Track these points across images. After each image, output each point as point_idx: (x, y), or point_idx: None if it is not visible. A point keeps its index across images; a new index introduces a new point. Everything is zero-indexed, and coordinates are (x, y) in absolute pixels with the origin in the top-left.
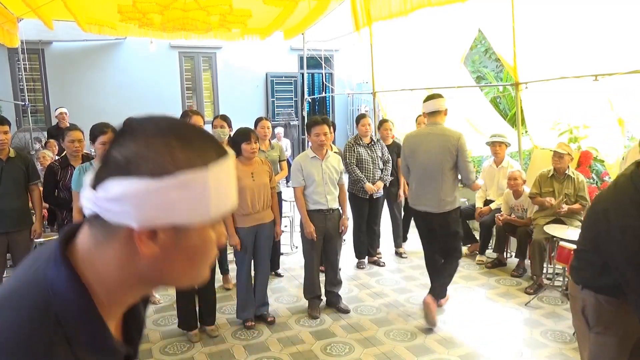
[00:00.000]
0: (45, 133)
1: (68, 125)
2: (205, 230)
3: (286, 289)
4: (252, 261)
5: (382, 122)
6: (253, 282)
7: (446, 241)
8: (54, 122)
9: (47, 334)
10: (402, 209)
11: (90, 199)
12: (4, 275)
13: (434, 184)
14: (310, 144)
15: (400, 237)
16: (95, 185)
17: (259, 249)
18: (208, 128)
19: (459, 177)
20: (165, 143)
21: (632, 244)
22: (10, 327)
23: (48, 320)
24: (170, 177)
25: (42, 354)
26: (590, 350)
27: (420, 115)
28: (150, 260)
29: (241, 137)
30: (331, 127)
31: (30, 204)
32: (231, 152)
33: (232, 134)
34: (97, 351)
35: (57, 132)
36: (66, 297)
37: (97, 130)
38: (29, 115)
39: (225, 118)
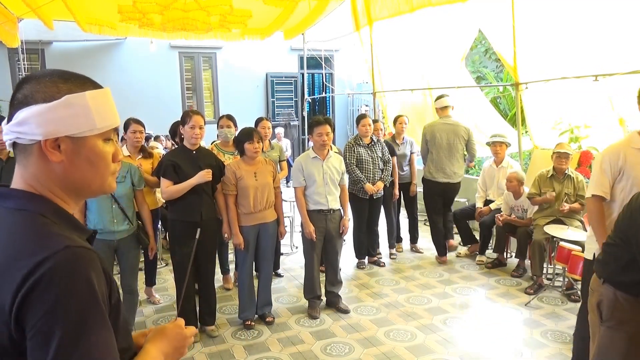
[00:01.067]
0: None
1: None
2: (97, 141)
3: (286, 289)
4: (254, 261)
5: (373, 122)
6: (256, 281)
7: (451, 198)
8: None
9: (42, 222)
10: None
11: (6, 132)
12: None
13: (449, 161)
14: (311, 144)
15: (394, 237)
16: (8, 122)
17: (262, 248)
18: (209, 128)
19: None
20: (51, 80)
21: None
22: (21, 234)
23: (36, 217)
24: (58, 100)
25: (47, 232)
26: (599, 342)
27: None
28: (61, 166)
29: (244, 137)
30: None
31: None
32: (107, 89)
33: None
34: (74, 229)
35: None
36: (34, 204)
37: None
38: None
39: (231, 118)
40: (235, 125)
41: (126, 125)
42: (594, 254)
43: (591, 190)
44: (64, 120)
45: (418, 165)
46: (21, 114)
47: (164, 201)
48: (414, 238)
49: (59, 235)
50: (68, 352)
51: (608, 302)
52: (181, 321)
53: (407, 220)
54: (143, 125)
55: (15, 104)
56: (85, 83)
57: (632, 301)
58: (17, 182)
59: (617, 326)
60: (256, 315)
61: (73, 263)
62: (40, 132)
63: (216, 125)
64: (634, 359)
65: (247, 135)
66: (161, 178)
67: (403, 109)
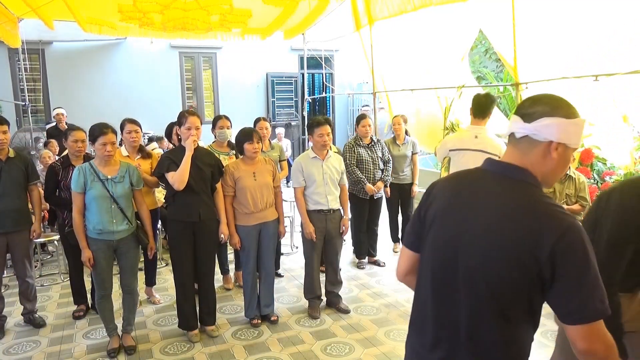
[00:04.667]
0: (45, 133)
1: (66, 125)
2: (571, 152)
3: (286, 289)
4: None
5: (395, 117)
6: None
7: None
8: (54, 122)
9: (543, 194)
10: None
11: (523, 127)
12: (4, 276)
13: None
14: (311, 144)
15: (395, 238)
16: (526, 121)
17: (263, 248)
18: (206, 128)
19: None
20: (567, 104)
21: (619, 227)
22: (537, 202)
23: (538, 190)
24: (573, 119)
25: (555, 205)
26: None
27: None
28: (552, 163)
29: (244, 137)
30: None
31: (29, 204)
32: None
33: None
34: None
35: (57, 133)
36: (532, 180)
37: (97, 131)
38: (29, 115)
39: (228, 118)
40: (230, 127)
41: (122, 126)
42: None
43: None
44: (570, 133)
45: (421, 166)
46: (545, 121)
47: (164, 201)
48: None
49: (563, 209)
50: (596, 284)
51: None
52: None
53: (402, 221)
54: (139, 125)
55: (537, 113)
56: (576, 111)
57: None
58: (512, 160)
59: None
60: (259, 315)
61: (583, 231)
62: (556, 137)
63: (211, 125)
64: None
65: (246, 135)
66: (165, 174)
67: (408, 108)
